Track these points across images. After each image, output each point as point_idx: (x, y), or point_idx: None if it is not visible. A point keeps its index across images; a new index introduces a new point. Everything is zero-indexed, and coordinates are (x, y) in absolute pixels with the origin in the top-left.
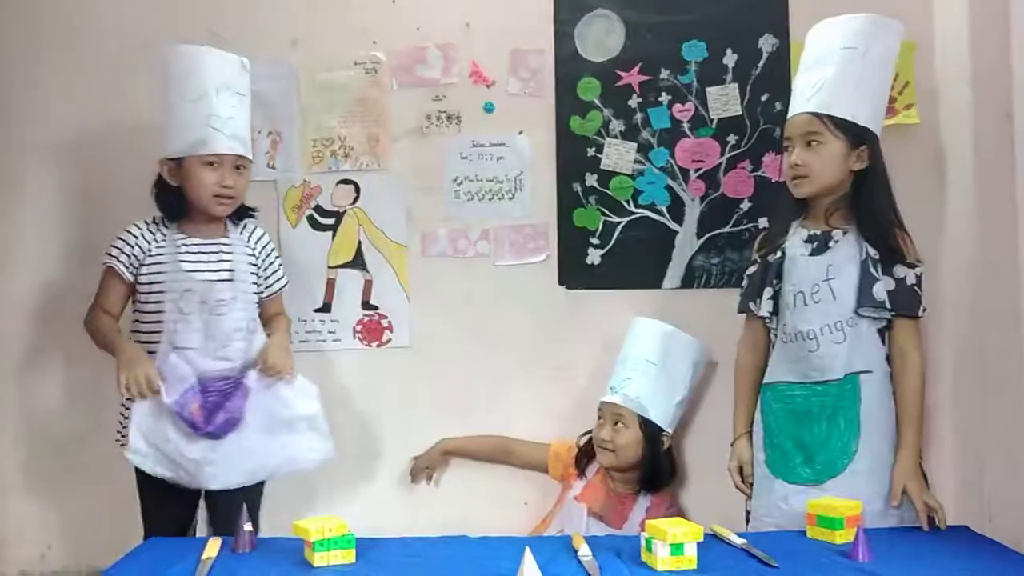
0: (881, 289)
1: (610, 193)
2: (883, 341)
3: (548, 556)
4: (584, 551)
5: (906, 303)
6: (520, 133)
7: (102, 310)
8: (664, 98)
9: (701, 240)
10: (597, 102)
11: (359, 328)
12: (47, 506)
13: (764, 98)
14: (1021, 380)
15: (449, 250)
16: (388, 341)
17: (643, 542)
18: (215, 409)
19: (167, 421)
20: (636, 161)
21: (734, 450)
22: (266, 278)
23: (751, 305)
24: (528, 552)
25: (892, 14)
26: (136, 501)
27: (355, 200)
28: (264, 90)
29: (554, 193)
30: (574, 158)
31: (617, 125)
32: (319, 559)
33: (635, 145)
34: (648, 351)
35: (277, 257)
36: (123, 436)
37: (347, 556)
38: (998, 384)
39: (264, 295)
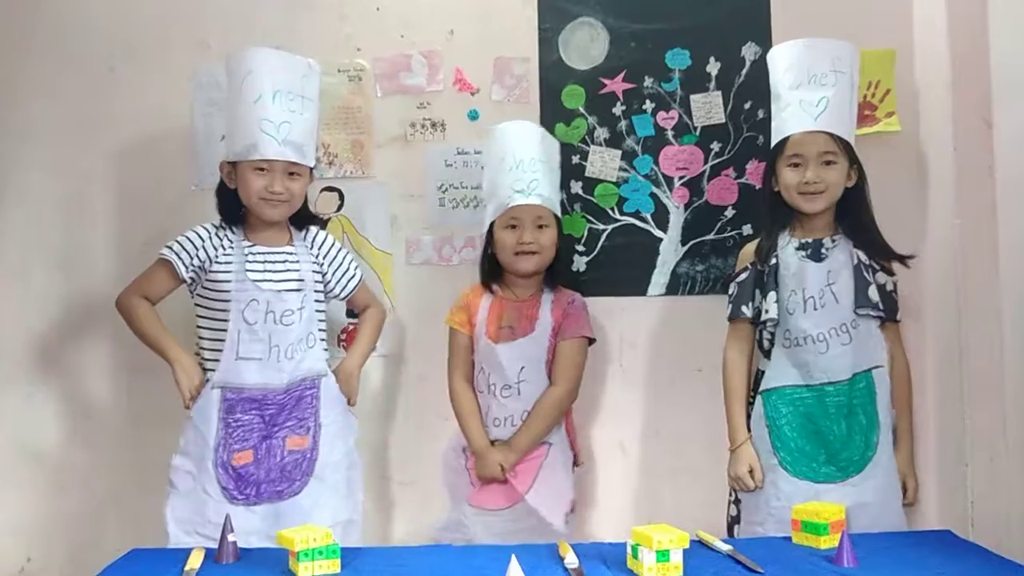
0: (874, 291)
1: (595, 200)
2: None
3: (534, 564)
4: (571, 559)
5: (889, 308)
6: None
7: (142, 295)
8: (648, 106)
9: (685, 247)
10: (581, 110)
11: (344, 336)
12: (26, 517)
13: (747, 106)
14: (1003, 383)
15: (434, 257)
16: (373, 349)
17: (629, 549)
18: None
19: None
20: (621, 169)
21: (741, 455)
22: (338, 281)
23: (744, 309)
24: (514, 560)
25: (872, 23)
26: (114, 512)
27: (339, 208)
28: None
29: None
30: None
31: (602, 133)
32: (303, 569)
33: (619, 153)
34: (535, 151)
35: (347, 255)
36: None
37: (332, 566)
38: (980, 388)
39: (343, 296)
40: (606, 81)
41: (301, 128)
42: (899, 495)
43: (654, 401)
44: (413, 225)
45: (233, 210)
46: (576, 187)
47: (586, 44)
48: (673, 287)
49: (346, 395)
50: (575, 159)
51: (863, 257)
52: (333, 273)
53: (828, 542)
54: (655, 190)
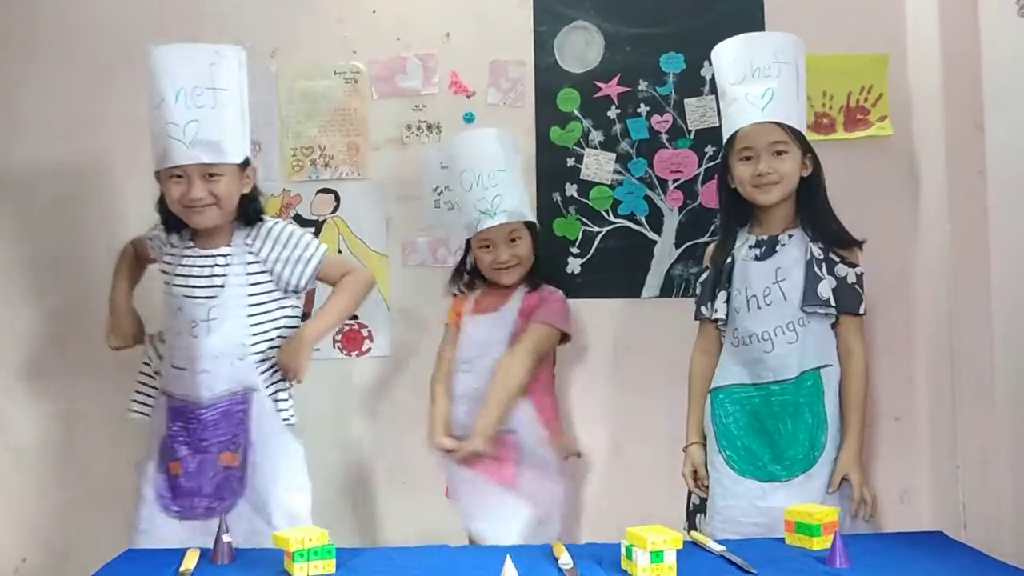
0: (826, 287)
1: (589, 203)
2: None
3: (528, 565)
4: (565, 559)
5: (848, 301)
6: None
7: (132, 242)
8: (642, 109)
9: (679, 250)
10: (576, 113)
11: (339, 337)
12: (22, 518)
13: None
14: (994, 385)
15: (429, 259)
16: (368, 351)
17: (623, 550)
18: (200, 467)
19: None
20: (615, 171)
21: (688, 455)
22: (291, 272)
23: (703, 310)
24: (508, 561)
25: (865, 27)
26: (110, 511)
27: (335, 209)
28: None
29: (534, 203)
30: (554, 168)
31: (596, 136)
32: (299, 570)
33: (614, 156)
34: (492, 161)
35: (298, 242)
36: (136, 403)
37: (327, 566)
38: (971, 390)
39: (299, 286)
40: (601, 85)
41: (214, 124)
42: (848, 495)
43: (648, 402)
44: (408, 227)
45: (168, 217)
46: (571, 190)
47: (581, 48)
48: (667, 289)
49: (283, 366)
50: (570, 162)
51: (817, 252)
52: (283, 267)
53: (821, 543)
54: (649, 193)
